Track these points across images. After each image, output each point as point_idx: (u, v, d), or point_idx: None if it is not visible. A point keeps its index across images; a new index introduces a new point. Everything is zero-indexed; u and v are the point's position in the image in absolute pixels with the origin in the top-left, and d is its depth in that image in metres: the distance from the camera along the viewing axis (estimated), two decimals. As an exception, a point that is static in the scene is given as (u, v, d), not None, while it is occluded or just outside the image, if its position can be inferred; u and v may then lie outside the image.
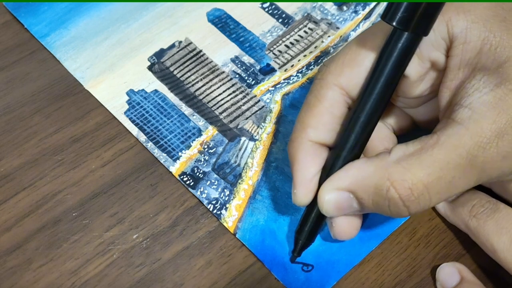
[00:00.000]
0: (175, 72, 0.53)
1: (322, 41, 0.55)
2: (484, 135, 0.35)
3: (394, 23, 0.36)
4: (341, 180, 0.38)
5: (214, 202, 0.46)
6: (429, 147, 0.36)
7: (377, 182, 0.36)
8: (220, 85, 0.52)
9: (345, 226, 0.41)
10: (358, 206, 0.38)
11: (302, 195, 0.40)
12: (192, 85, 0.52)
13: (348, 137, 0.39)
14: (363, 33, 0.41)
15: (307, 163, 0.40)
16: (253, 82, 0.52)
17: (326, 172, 0.40)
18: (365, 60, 0.39)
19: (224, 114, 0.50)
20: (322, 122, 0.40)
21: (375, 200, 0.37)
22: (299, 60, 0.54)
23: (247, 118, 0.50)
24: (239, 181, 0.47)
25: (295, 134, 0.41)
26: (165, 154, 0.48)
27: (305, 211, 0.42)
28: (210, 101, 0.51)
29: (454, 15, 0.37)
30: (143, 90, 0.52)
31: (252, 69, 0.53)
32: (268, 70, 0.53)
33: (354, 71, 0.39)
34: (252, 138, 0.49)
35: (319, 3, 0.57)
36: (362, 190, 0.37)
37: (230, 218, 0.45)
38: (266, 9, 0.57)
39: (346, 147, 0.39)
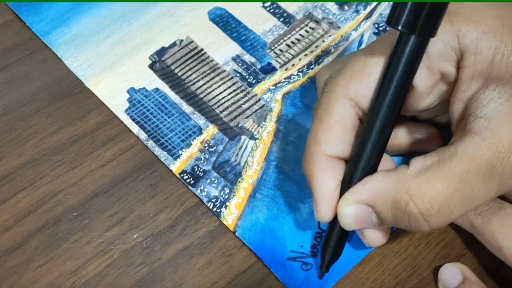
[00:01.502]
0: (176, 71, 0.53)
1: (323, 41, 0.54)
2: (502, 145, 0.35)
3: (399, 27, 0.35)
4: (360, 193, 0.38)
5: (214, 200, 0.46)
6: (447, 159, 0.35)
7: (395, 196, 0.36)
8: (221, 84, 0.52)
9: (376, 234, 0.41)
10: (377, 220, 0.38)
11: (325, 211, 0.40)
12: (193, 84, 0.52)
13: (364, 147, 0.38)
14: (369, 45, 0.41)
15: (325, 178, 0.40)
16: (254, 81, 0.52)
17: (346, 185, 0.39)
18: (374, 70, 0.39)
19: (225, 112, 0.50)
20: (335, 135, 0.39)
21: (394, 214, 0.36)
22: (300, 59, 0.54)
23: (247, 117, 0.50)
24: (239, 179, 0.47)
25: (309, 151, 0.40)
26: (166, 153, 0.48)
27: (329, 226, 0.41)
28: (211, 99, 0.51)
29: (464, 26, 0.36)
30: (144, 88, 0.52)
31: (253, 68, 0.53)
32: (269, 69, 0.53)
33: (363, 82, 0.39)
34: (252, 137, 0.49)
35: (320, 2, 0.57)
36: (380, 204, 0.37)
37: (230, 216, 0.45)
38: (267, 8, 0.57)
39: (363, 158, 0.38)
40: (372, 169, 0.39)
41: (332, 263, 0.42)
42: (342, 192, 0.39)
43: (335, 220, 0.40)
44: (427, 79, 0.38)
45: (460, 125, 0.37)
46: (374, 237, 0.41)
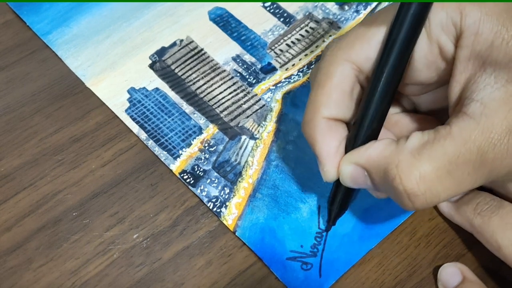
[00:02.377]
0: (176, 71, 0.53)
1: (324, 41, 0.54)
2: (495, 131, 0.34)
3: None
4: (359, 156, 0.38)
5: (214, 200, 0.46)
6: (441, 137, 0.35)
7: (386, 167, 0.36)
8: (221, 84, 0.52)
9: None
10: (371, 185, 0.38)
11: (331, 169, 0.40)
12: (193, 84, 0.52)
13: (367, 109, 0.38)
14: (372, 15, 0.41)
15: (327, 139, 0.40)
16: (254, 81, 0.52)
17: (350, 147, 0.39)
18: (376, 33, 0.39)
19: (225, 112, 0.50)
20: (334, 99, 0.40)
21: (384, 184, 0.37)
22: (300, 59, 0.54)
23: (247, 117, 0.50)
24: (239, 179, 0.47)
25: (309, 115, 0.40)
26: (166, 152, 0.48)
27: (334, 184, 0.42)
28: (211, 99, 0.51)
29: (469, 5, 0.36)
30: (144, 88, 0.52)
31: (253, 68, 0.53)
32: (269, 69, 0.53)
33: (365, 45, 0.39)
34: (252, 137, 0.49)
35: (321, 2, 0.57)
36: (374, 172, 0.37)
37: (230, 216, 0.45)
38: (268, 8, 0.57)
39: (366, 120, 0.39)
40: (375, 131, 0.39)
41: (339, 217, 0.43)
42: (346, 152, 0.40)
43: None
44: (426, 50, 0.38)
45: (457, 107, 0.37)
46: (379, 194, 0.41)
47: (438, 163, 0.35)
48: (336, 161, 0.40)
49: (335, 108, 0.40)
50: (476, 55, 0.36)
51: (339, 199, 0.42)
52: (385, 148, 0.37)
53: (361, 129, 0.39)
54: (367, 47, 0.39)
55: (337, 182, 0.41)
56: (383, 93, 0.38)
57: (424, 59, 0.39)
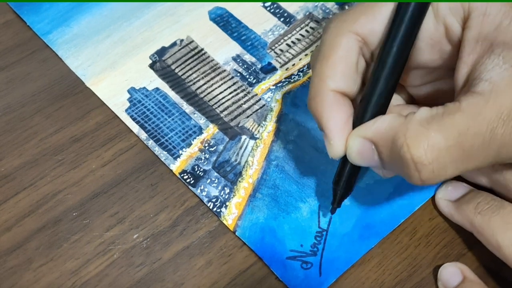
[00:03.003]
0: (176, 70, 0.53)
1: (324, 40, 0.54)
2: (505, 107, 0.34)
3: None
4: (367, 129, 0.38)
5: (214, 200, 0.46)
6: (451, 111, 0.35)
7: (394, 137, 0.35)
8: (221, 84, 0.52)
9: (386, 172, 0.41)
10: (378, 160, 0.38)
11: (337, 144, 0.39)
12: (193, 83, 0.52)
13: (376, 83, 0.38)
14: None
15: (334, 112, 0.39)
16: (254, 81, 0.52)
17: (358, 122, 0.39)
18: (383, 8, 0.39)
19: (225, 112, 0.50)
20: (339, 71, 0.39)
21: (392, 156, 0.36)
22: (300, 59, 0.54)
23: (248, 117, 0.50)
24: (239, 179, 0.47)
25: (315, 88, 0.40)
26: (166, 152, 0.48)
27: (341, 162, 0.41)
28: (211, 99, 0.51)
29: None
30: (144, 88, 0.52)
31: (253, 68, 0.53)
32: (269, 69, 0.53)
33: (370, 18, 0.39)
34: (252, 137, 0.49)
35: (321, 2, 0.57)
36: (382, 143, 0.37)
37: (230, 216, 0.45)
38: (268, 8, 0.57)
39: (375, 95, 0.38)
40: (383, 107, 0.39)
41: (344, 198, 0.42)
42: (354, 128, 0.39)
43: (346, 156, 0.40)
44: (432, 29, 0.38)
45: (464, 89, 0.37)
46: (385, 173, 0.41)
47: (447, 133, 0.34)
48: (344, 135, 0.39)
49: (341, 80, 0.39)
50: (484, 36, 0.36)
51: (344, 178, 0.41)
52: (393, 120, 0.36)
53: (369, 104, 0.39)
54: (372, 20, 0.39)
55: (343, 160, 0.40)
56: (392, 68, 0.38)
57: (429, 39, 0.38)
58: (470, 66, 0.37)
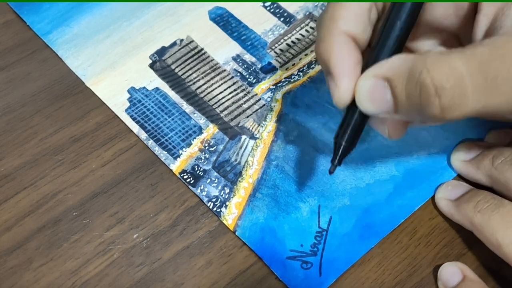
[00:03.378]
0: (176, 70, 0.53)
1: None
2: None
3: None
4: (381, 67, 0.35)
5: (214, 200, 0.46)
6: (472, 46, 0.33)
7: (412, 66, 0.33)
8: (221, 83, 0.52)
9: (392, 126, 0.39)
10: (391, 98, 0.35)
11: (346, 87, 0.37)
12: (193, 83, 0.52)
13: (390, 29, 0.37)
14: None
15: (345, 54, 0.37)
16: (254, 81, 0.52)
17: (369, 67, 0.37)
18: None
19: (225, 112, 0.50)
20: (352, 12, 0.38)
21: (407, 88, 0.33)
22: (300, 59, 0.54)
23: (248, 117, 0.50)
24: (239, 179, 0.47)
25: (325, 30, 0.38)
26: (166, 152, 0.48)
27: (345, 113, 0.38)
28: (211, 99, 0.51)
29: None
30: (144, 88, 0.52)
31: (253, 68, 0.53)
32: (269, 69, 0.53)
33: None
34: (252, 137, 0.49)
35: (321, 2, 0.57)
36: (397, 77, 0.34)
37: (230, 216, 0.45)
38: (268, 8, 0.57)
39: (389, 40, 0.37)
40: (396, 51, 0.37)
41: (346, 154, 0.39)
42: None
43: (352, 105, 0.37)
44: None
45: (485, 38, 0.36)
46: (390, 129, 0.39)
47: (469, 61, 0.32)
48: (353, 78, 0.37)
49: (354, 23, 0.38)
50: None
51: (349, 131, 0.38)
52: (409, 56, 0.34)
53: (382, 49, 0.37)
54: None
55: (348, 110, 0.38)
56: (409, 10, 0.37)
57: None
58: (491, 17, 0.36)
